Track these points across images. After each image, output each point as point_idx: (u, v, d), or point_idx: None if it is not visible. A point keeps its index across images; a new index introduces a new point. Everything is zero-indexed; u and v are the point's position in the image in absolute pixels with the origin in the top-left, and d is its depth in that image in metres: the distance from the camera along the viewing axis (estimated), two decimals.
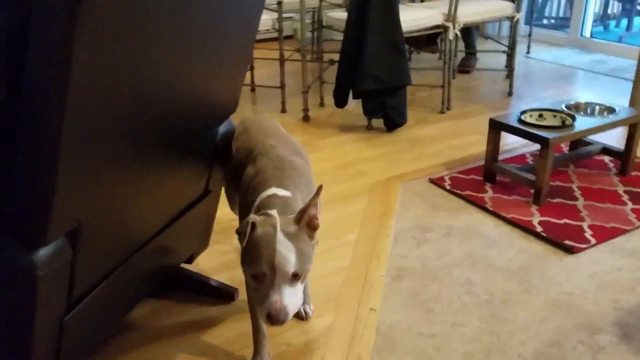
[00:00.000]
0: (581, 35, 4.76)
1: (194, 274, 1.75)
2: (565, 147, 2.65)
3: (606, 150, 2.51)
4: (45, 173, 0.87)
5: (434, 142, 2.86)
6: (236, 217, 1.55)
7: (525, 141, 2.58)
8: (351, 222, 2.11)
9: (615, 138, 2.70)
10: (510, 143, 2.76)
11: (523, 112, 2.35)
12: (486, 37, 4.83)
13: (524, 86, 3.76)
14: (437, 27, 3.14)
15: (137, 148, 1.09)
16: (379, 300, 1.68)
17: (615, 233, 2.00)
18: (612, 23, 5.71)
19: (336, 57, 3.10)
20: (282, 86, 3.28)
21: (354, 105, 3.21)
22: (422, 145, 2.82)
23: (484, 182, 2.40)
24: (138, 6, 0.87)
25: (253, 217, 1.13)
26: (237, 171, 1.43)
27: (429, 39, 3.61)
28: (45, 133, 0.84)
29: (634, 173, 2.45)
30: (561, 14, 5.81)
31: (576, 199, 2.25)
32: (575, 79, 3.96)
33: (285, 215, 1.14)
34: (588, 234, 2.00)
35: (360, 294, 1.71)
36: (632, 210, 2.15)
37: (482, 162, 2.46)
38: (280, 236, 1.09)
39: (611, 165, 2.54)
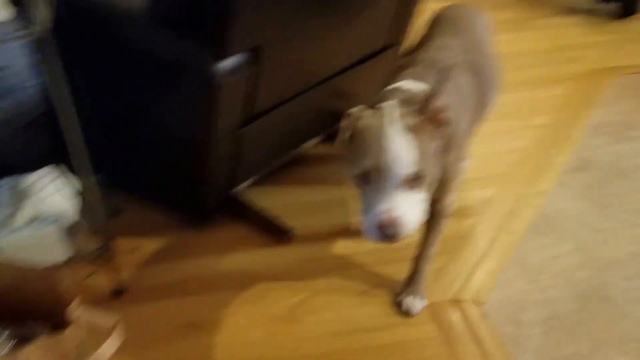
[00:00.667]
0: None
1: (254, 206, 1.52)
2: None
3: None
4: None
5: None
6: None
7: None
8: (544, 106, 1.95)
9: None
10: None
11: None
12: None
13: None
14: None
15: None
16: (550, 185, 1.59)
17: None
18: None
19: None
20: None
21: None
22: None
23: None
24: None
25: (357, 109, 0.93)
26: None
27: None
28: None
29: None
30: None
31: None
32: None
33: (408, 107, 0.92)
34: None
35: (531, 175, 1.63)
36: None
37: None
38: (392, 128, 0.87)
39: None
